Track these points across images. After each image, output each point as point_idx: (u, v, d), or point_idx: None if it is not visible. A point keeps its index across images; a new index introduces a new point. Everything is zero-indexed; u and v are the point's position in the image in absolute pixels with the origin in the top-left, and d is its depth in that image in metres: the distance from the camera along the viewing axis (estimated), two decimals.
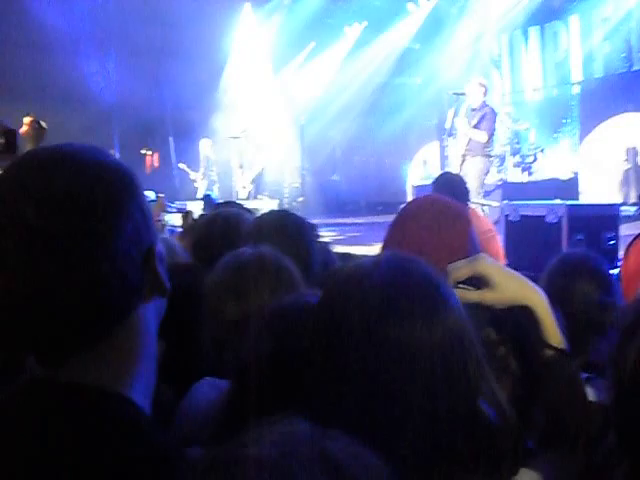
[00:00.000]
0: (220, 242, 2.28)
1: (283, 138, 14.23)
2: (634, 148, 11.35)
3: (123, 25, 13.17)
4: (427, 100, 13.14)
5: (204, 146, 12.90)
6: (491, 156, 8.55)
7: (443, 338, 0.99)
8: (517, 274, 1.28)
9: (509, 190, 9.34)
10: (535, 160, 10.74)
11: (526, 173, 10.61)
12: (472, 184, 7.80)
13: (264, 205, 10.85)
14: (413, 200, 2.14)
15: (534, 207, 6.62)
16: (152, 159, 14.16)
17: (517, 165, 10.83)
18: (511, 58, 13.64)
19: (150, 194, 7.27)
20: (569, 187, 10.01)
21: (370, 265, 1.06)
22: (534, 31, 13.19)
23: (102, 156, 0.97)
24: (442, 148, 10.02)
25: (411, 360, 0.97)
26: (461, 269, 1.26)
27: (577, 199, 7.81)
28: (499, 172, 10.81)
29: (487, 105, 8.50)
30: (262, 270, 1.64)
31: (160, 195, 7.08)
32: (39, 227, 0.87)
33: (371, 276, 1.03)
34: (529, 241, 6.39)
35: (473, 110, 8.46)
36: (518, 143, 11.11)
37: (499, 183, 9.91)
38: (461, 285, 1.25)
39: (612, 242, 6.37)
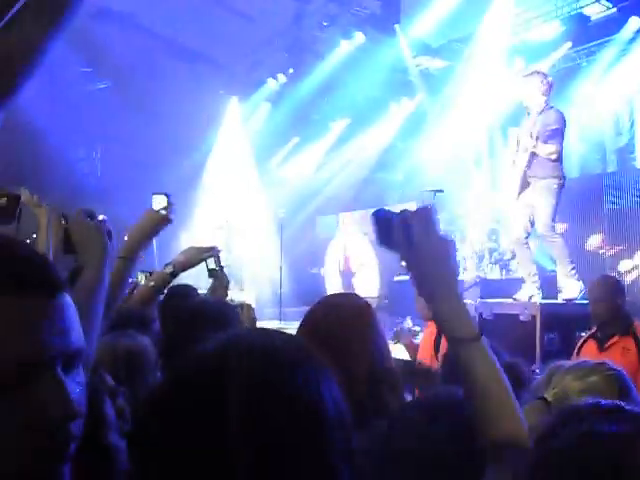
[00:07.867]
0: None
1: (263, 231, 14.30)
2: None
3: (112, 115, 13.36)
4: (407, 196, 13.27)
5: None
6: (564, 177, 6.30)
7: None
8: None
9: (486, 287, 9.31)
10: (514, 257, 10.74)
11: (504, 271, 10.59)
12: (543, 218, 6.18)
13: (244, 297, 10.78)
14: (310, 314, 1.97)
15: (508, 305, 6.58)
16: None
17: (495, 262, 10.83)
18: (491, 158, 13.85)
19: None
20: (549, 283, 9.96)
21: None
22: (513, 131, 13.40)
23: None
24: None
25: None
26: None
27: (556, 296, 7.79)
28: (478, 269, 10.79)
29: (552, 107, 6.37)
30: None
31: None
32: None
33: None
34: (503, 339, 6.31)
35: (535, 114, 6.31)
36: (496, 241, 11.13)
37: (477, 280, 9.89)
38: None
39: None
